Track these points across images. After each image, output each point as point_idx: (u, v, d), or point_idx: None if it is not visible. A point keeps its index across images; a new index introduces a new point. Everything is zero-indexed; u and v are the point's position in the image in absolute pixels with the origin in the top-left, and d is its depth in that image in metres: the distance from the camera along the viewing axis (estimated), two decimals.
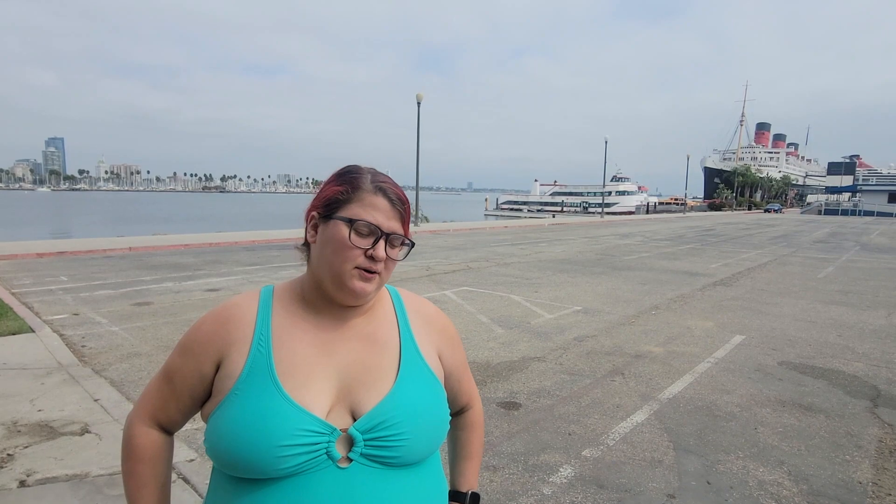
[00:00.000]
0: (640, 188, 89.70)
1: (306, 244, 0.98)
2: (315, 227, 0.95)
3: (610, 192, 76.09)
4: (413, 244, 0.99)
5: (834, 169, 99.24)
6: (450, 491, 1.10)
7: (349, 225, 0.90)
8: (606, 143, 40.66)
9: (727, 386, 4.68)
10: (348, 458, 0.87)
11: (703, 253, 15.93)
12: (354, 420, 0.90)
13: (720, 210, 76.02)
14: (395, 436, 0.89)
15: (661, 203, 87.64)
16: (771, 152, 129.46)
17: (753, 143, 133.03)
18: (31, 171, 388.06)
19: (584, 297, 8.53)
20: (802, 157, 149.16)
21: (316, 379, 0.90)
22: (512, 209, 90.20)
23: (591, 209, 74.88)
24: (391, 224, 0.92)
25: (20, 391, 4.16)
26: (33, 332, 5.76)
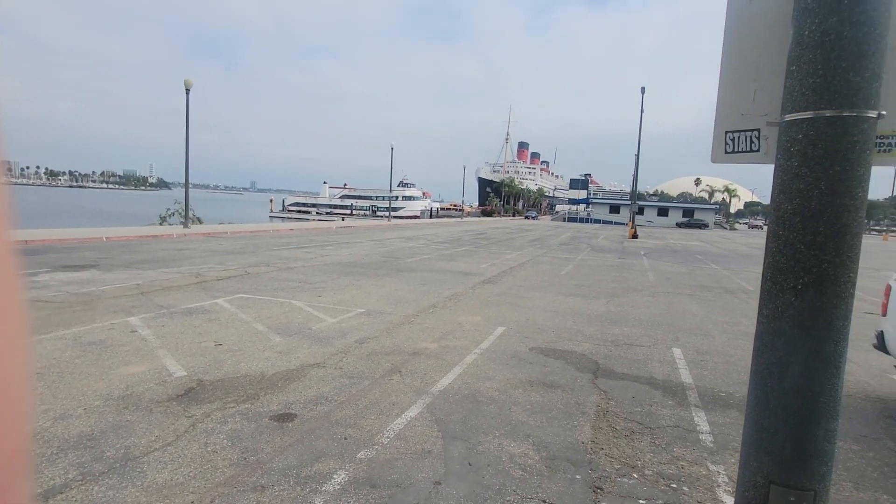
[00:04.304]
0: (424, 194, 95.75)
1: None
2: None
3: (397, 197, 79.47)
4: None
5: (574, 184, 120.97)
6: None
7: None
8: (392, 149, 42.35)
9: (489, 373, 5.23)
10: None
11: (475, 254, 17.68)
12: None
13: (491, 216, 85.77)
14: None
15: (442, 208, 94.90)
16: (530, 167, 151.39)
17: (516, 159, 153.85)
18: None
19: (367, 300, 8.66)
20: (552, 173, 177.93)
21: None
22: (300, 211, 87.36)
23: (379, 213, 77.03)
24: None
25: None
26: None
